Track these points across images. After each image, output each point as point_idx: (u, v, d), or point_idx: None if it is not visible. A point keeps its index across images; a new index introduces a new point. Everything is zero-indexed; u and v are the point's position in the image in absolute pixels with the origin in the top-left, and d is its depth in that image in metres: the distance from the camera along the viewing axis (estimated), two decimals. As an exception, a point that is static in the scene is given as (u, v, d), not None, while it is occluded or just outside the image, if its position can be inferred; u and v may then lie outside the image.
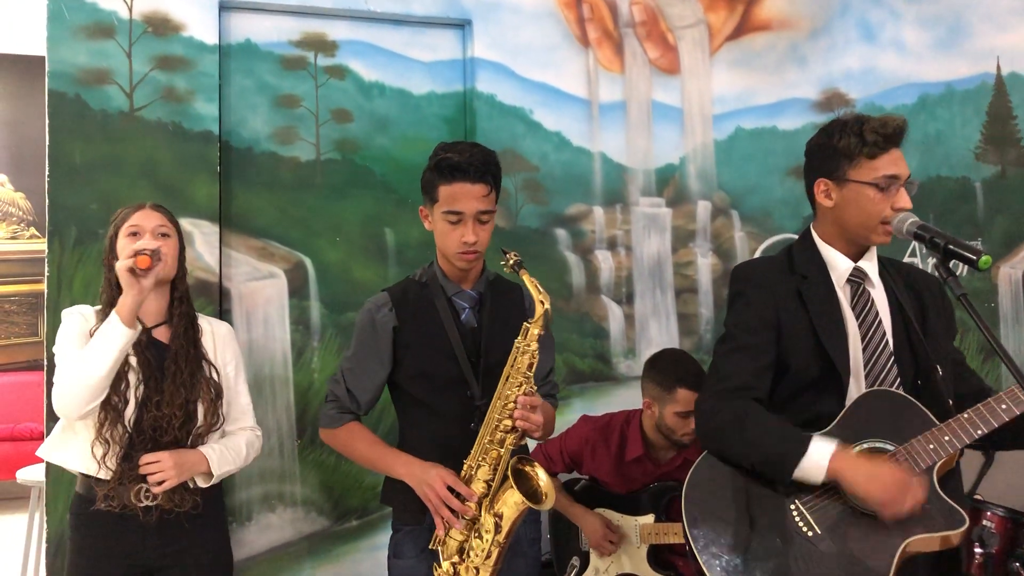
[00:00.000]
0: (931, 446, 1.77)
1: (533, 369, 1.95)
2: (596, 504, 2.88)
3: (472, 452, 1.97)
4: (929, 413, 1.81)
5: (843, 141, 1.88)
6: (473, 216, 2.01)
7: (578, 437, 2.95)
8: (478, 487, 1.94)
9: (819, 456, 1.75)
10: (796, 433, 1.80)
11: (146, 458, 2.08)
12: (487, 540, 1.91)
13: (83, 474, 2.13)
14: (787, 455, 1.77)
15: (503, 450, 1.93)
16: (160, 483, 2.07)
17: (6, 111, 6.41)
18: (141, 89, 2.88)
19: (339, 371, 2.14)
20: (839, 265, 1.94)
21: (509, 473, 1.91)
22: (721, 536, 1.82)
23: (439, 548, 1.97)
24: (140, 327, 2.08)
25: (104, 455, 2.07)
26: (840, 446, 1.76)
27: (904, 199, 1.85)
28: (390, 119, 3.22)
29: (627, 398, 3.26)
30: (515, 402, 1.92)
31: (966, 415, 1.77)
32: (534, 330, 1.95)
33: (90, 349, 2.02)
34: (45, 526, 2.74)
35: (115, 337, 2.01)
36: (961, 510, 1.74)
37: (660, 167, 3.53)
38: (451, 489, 1.93)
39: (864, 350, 1.89)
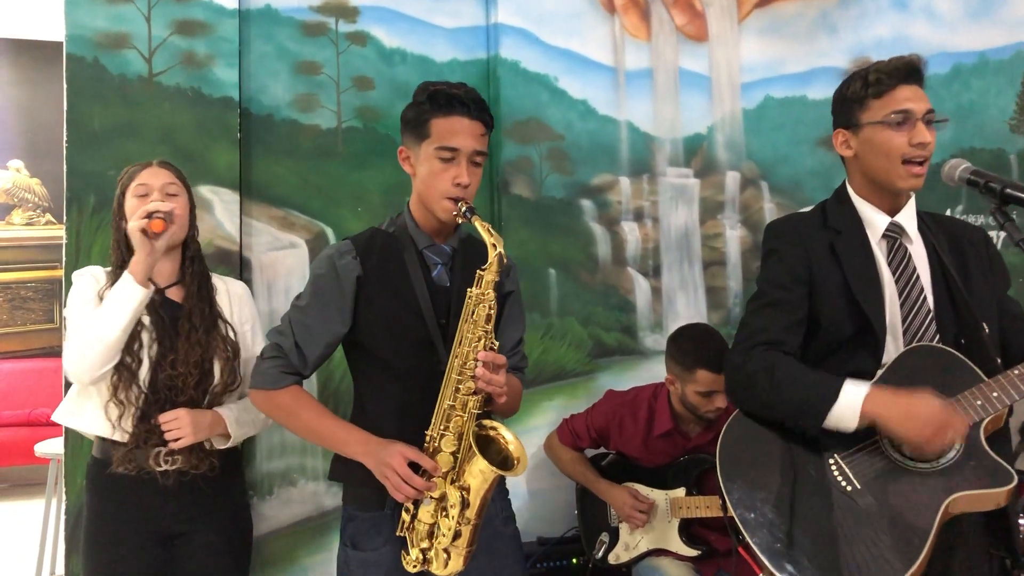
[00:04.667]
0: (979, 402, 1.70)
1: (492, 323, 1.76)
2: (624, 479, 2.81)
3: (433, 420, 1.78)
4: (977, 369, 1.74)
5: (851, 88, 1.88)
6: (468, 155, 1.82)
7: (604, 412, 2.89)
8: (444, 459, 1.76)
9: (852, 398, 1.70)
10: (827, 378, 1.75)
11: (164, 415, 2.03)
12: (454, 518, 1.73)
13: (99, 437, 2.09)
14: (819, 400, 1.72)
15: (466, 415, 1.75)
16: (177, 440, 2.02)
17: (22, 97, 6.39)
18: (160, 54, 2.83)
19: (286, 322, 1.87)
20: (875, 220, 1.88)
21: (472, 440, 1.73)
22: (756, 490, 1.77)
23: (407, 534, 1.79)
24: (153, 287, 2.05)
25: (119, 417, 2.03)
26: (874, 387, 1.71)
27: (922, 133, 1.79)
28: (412, 87, 3.03)
29: (654, 372, 3.18)
30: (475, 360, 1.73)
31: (1016, 371, 1.70)
32: (488, 277, 1.77)
33: (103, 310, 1.98)
34: (64, 498, 2.69)
35: (129, 297, 1.97)
36: (1009, 468, 1.67)
37: (688, 136, 3.46)
38: (414, 466, 1.73)
39: (901, 307, 1.83)
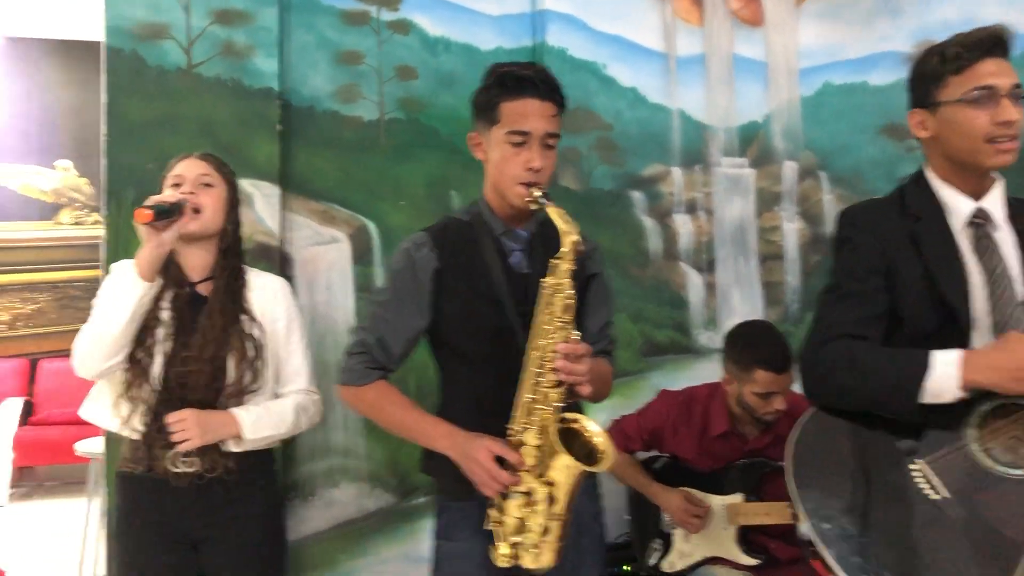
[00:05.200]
0: None
1: (570, 313, 1.70)
2: (678, 483, 2.69)
3: (515, 414, 1.73)
4: None
5: (928, 64, 1.73)
6: (540, 138, 1.77)
7: (657, 413, 2.77)
8: (529, 453, 1.70)
9: (947, 366, 1.56)
10: (913, 352, 1.61)
11: (171, 416, 1.96)
12: (541, 513, 1.68)
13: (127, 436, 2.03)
14: (910, 374, 1.58)
15: (549, 408, 1.69)
16: (183, 442, 1.95)
17: (69, 98, 6.45)
18: (199, 44, 2.77)
19: (369, 318, 1.90)
20: (958, 206, 1.73)
21: (555, 435, 1.67)
22: (832, 498, 1.63)
23: (496, 529, 1.74)
24: (160, 281, 1.97)
25: (130, 414, 1.96)
26: (965, 351, 1.58)
27: (1008, 111, 1.63)
28: (456, 76, 3.06)
29: (708, 372, 3.05)
30: (555, 352, 1.67)
31: None
32: (564, 266, 1.70)
33: (106, 303, 1.93)
34: (105, 498, 2.65)
35: (129, 290, 1.91)
36: None
37: (743, 125, 3.33)
38: (500, 460, 1.70)
39: (988, 299, 1.68)
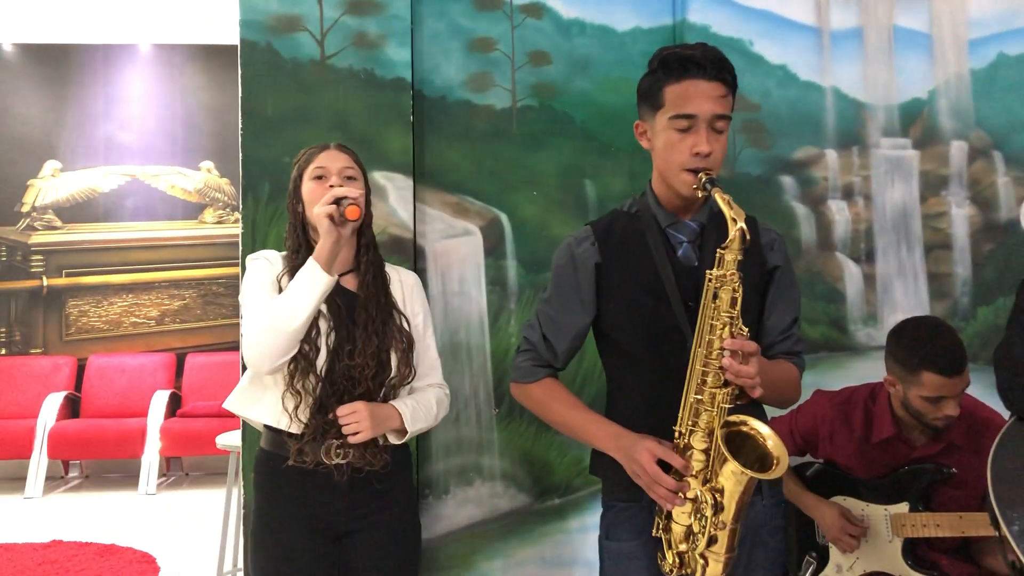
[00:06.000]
0: None
1: (737, 306, 1.59)
2: (835, 491, 2.49)
3: (680, 415, 1.65)
4: None
5: None
6: (707, 120, 1.67)
7: (812, 415, 2.58)
8: (696, 458, 1.63)
9: None
10: None
11: (342, 408, 1.93)
12: (708, 521, 1.60)
13: (271, 429, 2.01)
14: None
15: (715, 410, 1.60)
16: (355, 434, 1.92)
17: (211, 100, 6.70)
18: (332, 36, 2.76)
19: (534, 315, 1.88)
20: None
21: (720, 439, 1.59)
22: None
23: (663, 536, 1.68)
24: (337, 275, 1.96)
25: (296, 407, 1.94)
26: None
27: None
28: (591, 60, 2.94)
29: (866, 371, 2.82)
30: (721, 349, 1.58)
31: None
32: (729, 256, 1.60)
33: (287, 297, 1.90)
34: (242, 491, 2.67)
35: (315, 284, 1.88)
36: None
37: (904, 102, 3.07)
38: (664, 464, 1.63)
39: None
